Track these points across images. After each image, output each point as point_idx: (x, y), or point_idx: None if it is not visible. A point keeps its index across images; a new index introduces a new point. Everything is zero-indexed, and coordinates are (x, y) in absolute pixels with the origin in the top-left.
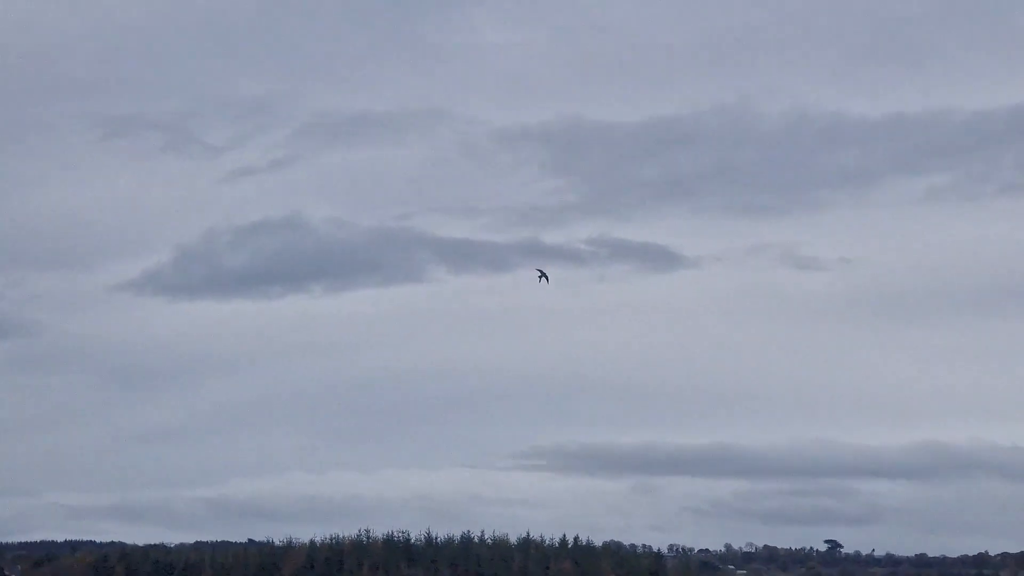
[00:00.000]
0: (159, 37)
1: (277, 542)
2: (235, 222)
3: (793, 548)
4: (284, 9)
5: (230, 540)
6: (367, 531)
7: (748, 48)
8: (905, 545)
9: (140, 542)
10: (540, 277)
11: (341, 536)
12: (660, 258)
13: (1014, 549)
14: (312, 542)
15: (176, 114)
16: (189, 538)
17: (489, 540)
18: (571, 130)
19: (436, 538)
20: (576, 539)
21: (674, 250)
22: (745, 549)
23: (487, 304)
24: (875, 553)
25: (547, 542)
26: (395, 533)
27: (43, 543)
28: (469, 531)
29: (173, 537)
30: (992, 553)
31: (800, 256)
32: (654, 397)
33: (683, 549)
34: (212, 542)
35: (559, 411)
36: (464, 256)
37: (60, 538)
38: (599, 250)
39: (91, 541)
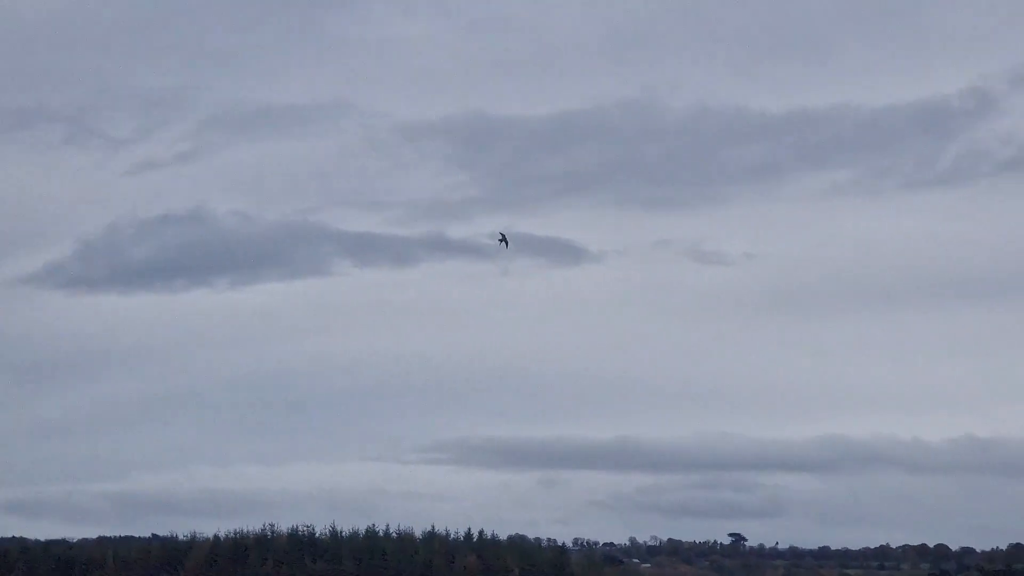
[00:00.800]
0: (61, 28)
1: (181, 537)
2: (139, 215)
3: (697, 541)
4: (188, 0)
5: (133, 535)
6: (271, 525)
7: (652, 43)
8: (808, 538)
9: (41, 537)
10: (501, 241)
11: (245, 530)
12: (564, 252)
13: (914, 541)
14: (216, 537)
15: (78, 107)
16: (91, 533)
17: (394, 534)
18: (475, 124)
19: (341, 532)
20: (481, 533)
21: (578, 244)
22: (649, 543)
23: (392, 298)
24: (778, 546)
25: (452, 536)
26: (299, 527)
27: None
28: (374, 525)
29: (75, 532)
30: (893, 545)
31: (704, 251)
32: (559, 391)
33: (588, 543)
34: (115, 537)
35: (464, 404)
36: (369, 250)
37: None
38: (501, 245)
39: None
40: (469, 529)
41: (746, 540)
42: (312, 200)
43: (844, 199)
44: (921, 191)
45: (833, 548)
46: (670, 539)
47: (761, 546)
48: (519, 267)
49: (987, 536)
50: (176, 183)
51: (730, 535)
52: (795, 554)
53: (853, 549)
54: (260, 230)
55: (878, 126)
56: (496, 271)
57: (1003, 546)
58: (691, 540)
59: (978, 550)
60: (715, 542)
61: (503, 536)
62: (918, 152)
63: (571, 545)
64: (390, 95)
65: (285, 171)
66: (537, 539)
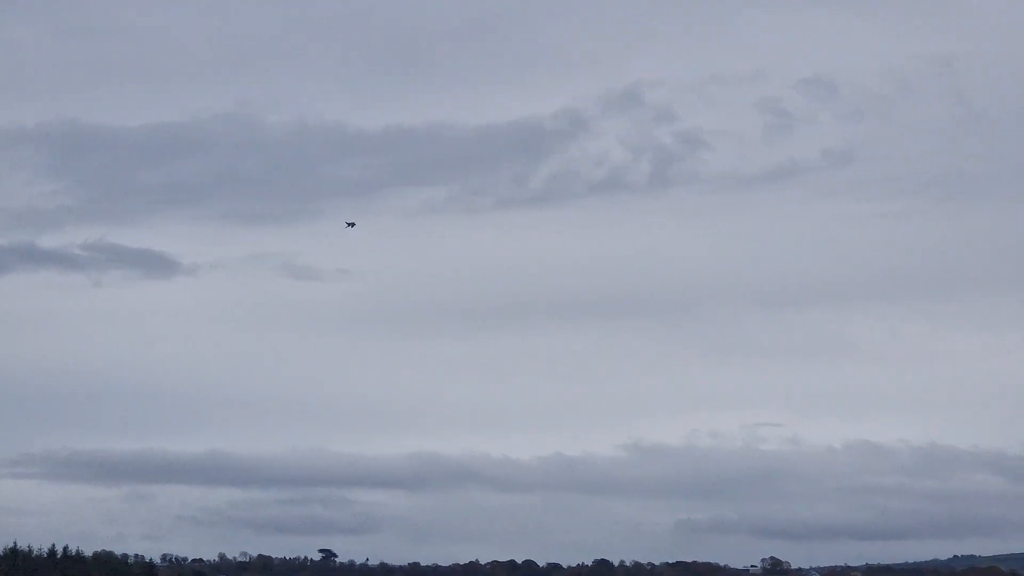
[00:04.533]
0: None
1: None
2: None
3: (288, 557)
4: None
5: None
6: None
7: (252, 57)
8: (399, 554)
9: None
10: (350, 225)
11: None
12: (157, 265)
13: (503, 557)
14: None
15: None
16: None
17: None
18: (70, 132)
19: None
20: (66, 549)
21: (171, 257)
22: (239, 558)
23: None
24: (369, 562)
25: (35, 552)
26: None
27: None
28: None
29: None
30: (483, 561)
31: (298, 265)
32: (149, 404)
33: (176, 559)
34: None
35: (51, 417)
36: None
37: None
38: (96, 255)
39: None
40: (54, 545)
41: (336, 556)
42: None
43: (439, 216)
44: (515, 210)
45: (423, 564)
46: (260, 555)
47: (352, 562)
48: (112, 278)
49: (574, 552)
50: None
51: (320, 551)
52: (385, 570)
53: (443, 565)
54: None
55: (475, 145)
56: (88, 282)
57: (589, 562)
58: (281, 556)
59: (565, 566)
60: (306, 558)
61: (89, 552)
62: (513, 171)
63: (159, 561)
64: None
65: None
66: (125, 555)
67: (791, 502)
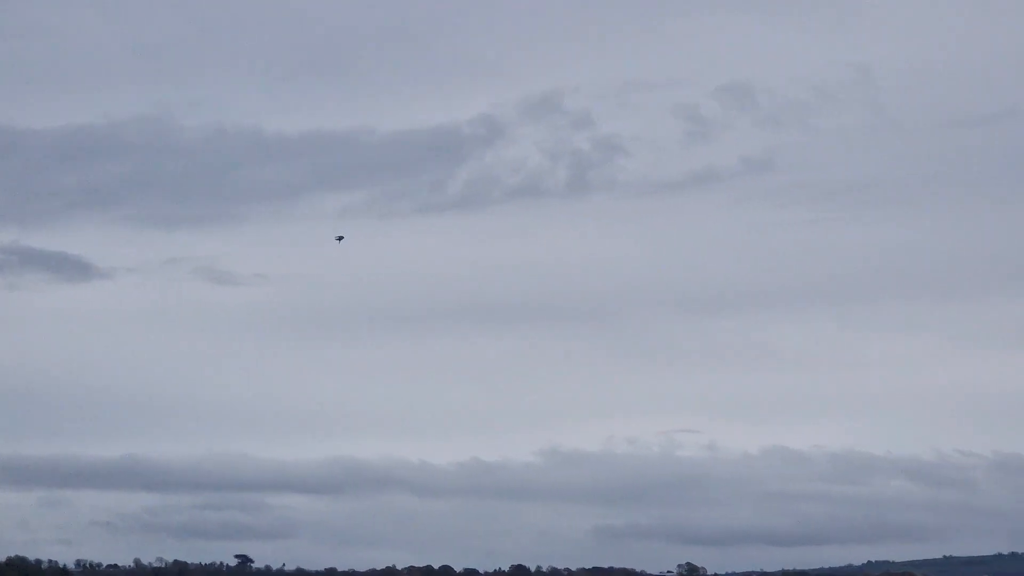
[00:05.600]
0: None
1: None
2: None
3: (204, 563)
4: None
5: None
6: None
7: (170, 59)
8: (315, 559)
9: None
10: (339, 239)
11: None
12: (73, 268)
13: (420, 562)
14: None
15: None
16: None
17: None
18: None
19: None
20: None
21: (88, 260)
22: (155, 564)
23: None
24: (286, 567)
25: None
26: None
27: None
28: None
29: None
30: (400, 566)
31: (216, 270)
32: (64, 408)
33: (91, 564)
34: None
35: None
36: None
37: None
38: (10, 258)
39: None
40: None
41: (253, 561)
42: None
43: (358, 221)
44: (433, 215)
45: (340, 569)
46: (176, 560)
47: (268, 568)
48: (27, 282)
49: (491, 558)
50: None
51: (236, 556)
52: (303, 575)
53: (360, 571)
54: None
55: (393, 150)
56: (2, 285)
57: (506, 567)
58: (197, 562)
59: (482, 571)
60: (222, 564)
61: (2, 558)
62: (432, 177)
63: (74, 567)
64: None
65: None
66: (38, 560)
67: (708, 508)
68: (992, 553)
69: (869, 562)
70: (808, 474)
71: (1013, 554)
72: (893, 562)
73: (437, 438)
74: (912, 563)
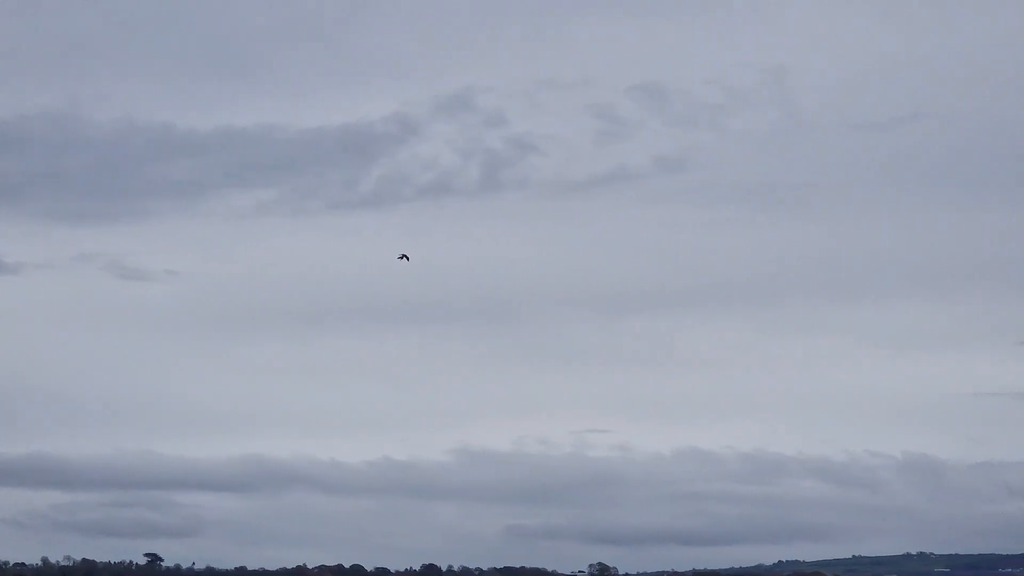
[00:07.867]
0: None
1: None
2: None
3: (112, 562)
4: None
5: None
6: None
7: (78, 53)
8: (226, 558)
9: None
10: (402, 257)
11: None
12: None
13: (331, 561)
14: None
15: None
16: None
17: None
18: None
19: None
20: None
21: None
22: (63, 562)
23: None
24: (195, 566)
25: None
26: None
27: None
28: None
29: None
30: (311, 565)
31: (125, 266)
32: None
33: None
34: None
35: None
36: None
37: None
38: None
39: None
40: None
41: (163, 560)
42: None
43: (269, 219)
44: (345, 213)
45: (251, 568)
46: (84, 559)
47: (178, 566)
48: None
49: (402, 556)
50: None
51: (146, 555)
52: (212, 574)
53: (271, 569)
54: None
55: (305, 147)
56: None
57: (417, 566)
58: (106, 560)
59: (393, 570)
60: (131, 562)
61: None
62: (343, 174)
63: None
64: None
65: None
66: None
67: (619, 508)
68: (901, 553)
69: (780, 562)
70: (719, 474)
71: (921, 554)
72: (803, 562)
73: (348, 437)
74: (822, 563)
